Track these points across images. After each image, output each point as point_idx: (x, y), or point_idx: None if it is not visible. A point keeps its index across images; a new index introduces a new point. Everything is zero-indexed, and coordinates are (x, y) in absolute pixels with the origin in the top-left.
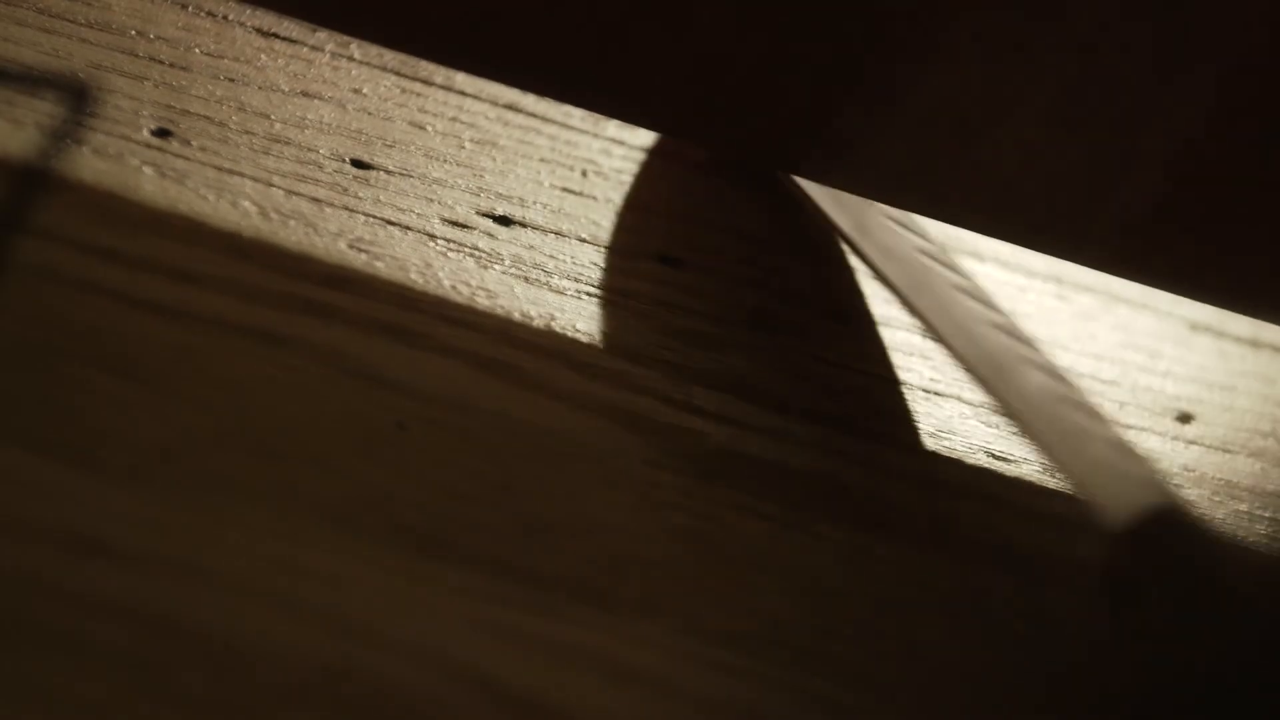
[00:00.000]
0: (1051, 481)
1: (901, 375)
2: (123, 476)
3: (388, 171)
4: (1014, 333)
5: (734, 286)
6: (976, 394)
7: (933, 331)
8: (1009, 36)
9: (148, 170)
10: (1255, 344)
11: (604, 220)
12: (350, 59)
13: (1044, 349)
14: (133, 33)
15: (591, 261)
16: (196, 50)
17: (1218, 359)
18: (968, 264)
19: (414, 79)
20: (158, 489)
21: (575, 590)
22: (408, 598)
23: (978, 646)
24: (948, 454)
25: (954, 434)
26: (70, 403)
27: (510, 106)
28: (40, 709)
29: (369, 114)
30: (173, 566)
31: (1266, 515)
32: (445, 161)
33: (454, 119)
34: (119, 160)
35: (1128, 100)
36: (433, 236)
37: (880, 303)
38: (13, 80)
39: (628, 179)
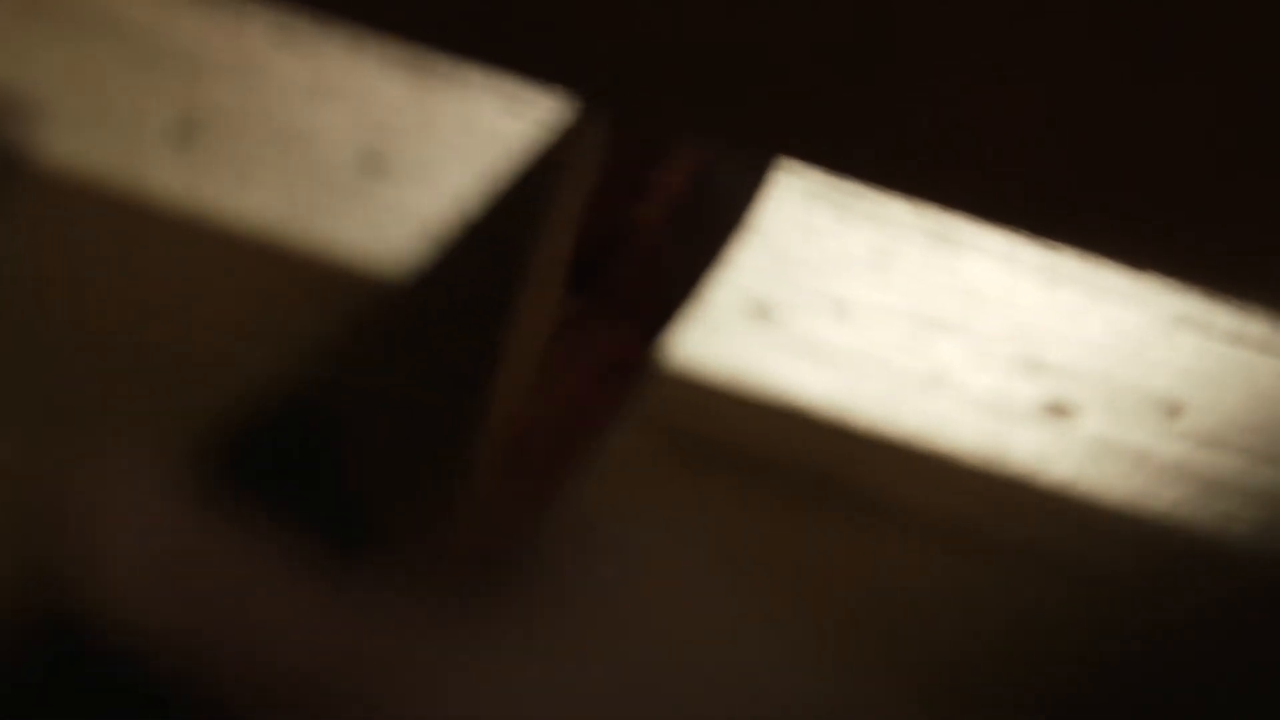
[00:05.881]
0: (1049, 475)
1: (898, 363)
2: None
3: (402, 167)
4: None
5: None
6: (974, 383)
7: None
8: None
9: (162, 170)
10: (1241, 340)
11: None
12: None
13: (1034, 341)
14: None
15: None
16: (210, 49)
17: (1204, 354)
18: (959, 256)
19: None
20: None
21: None
22: None
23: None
24: (945, 445)
25: (951, 425)
26: None
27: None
28: None
29: (383, 110)
30: None
31: (1248, 514)
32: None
33: (466, 115)
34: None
35: (1115, 93)
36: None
37: (879, 291)
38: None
39: None
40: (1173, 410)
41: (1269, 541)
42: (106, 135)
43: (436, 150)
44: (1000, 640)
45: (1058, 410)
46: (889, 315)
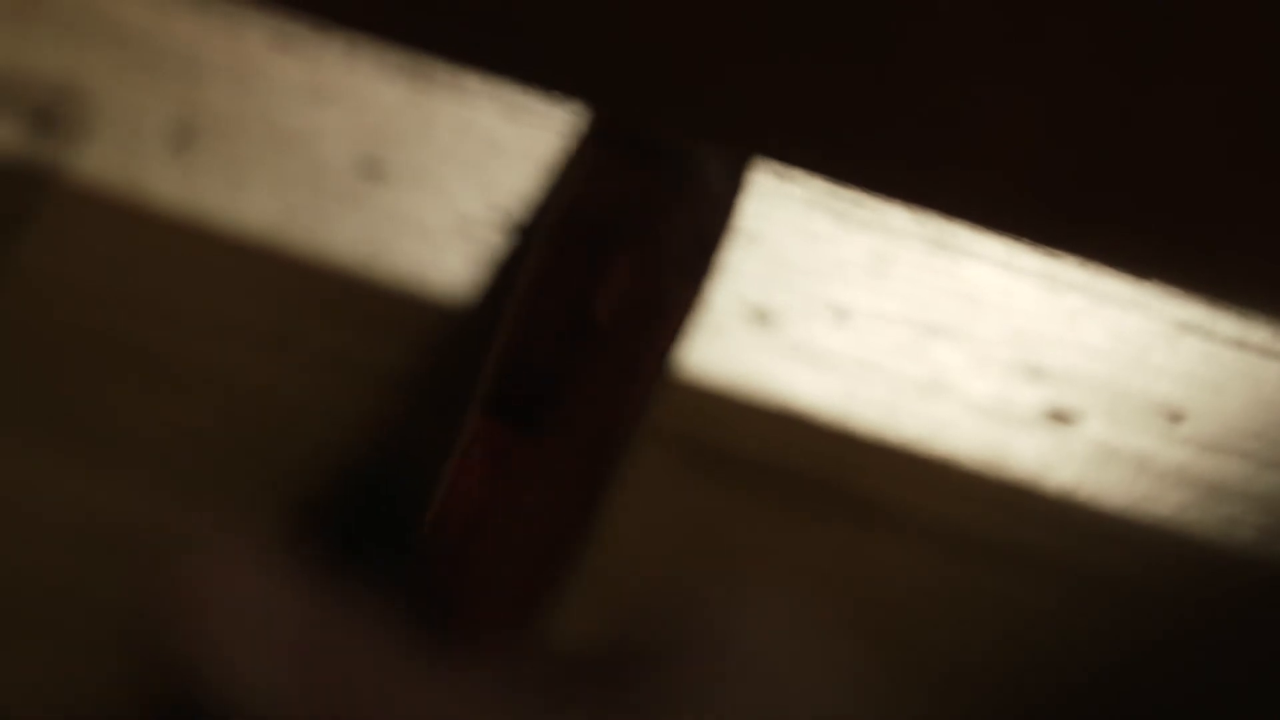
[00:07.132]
0: (1050, 481)
1: (898, 369)
2: None
3: (400, 172)
4: None
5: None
6: (974, 388)
7: None
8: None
9: (160, 174)
10: (1243, 345)
11: None
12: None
13: (1035, 346)
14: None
15: None
16: (207, 53)
17: (1206, 359)
18: (959, 263)
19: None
20: None
21: None
22: None
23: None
24: (946, 451)
25: (951, 430)
26: None
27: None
28: None
29: (381, 115)
30: None
31: (1251, 520)
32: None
33: (465, 120)
34: (131, 165)
35: (1111, 97)
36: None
37: (879, 297)
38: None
39: None
40: (1175, 415)
41: (1272, 546)
42: (104, 138)
43: (434, 156)
44: (1002, 646)
45: (1059, 416)
46: (888, 321)
